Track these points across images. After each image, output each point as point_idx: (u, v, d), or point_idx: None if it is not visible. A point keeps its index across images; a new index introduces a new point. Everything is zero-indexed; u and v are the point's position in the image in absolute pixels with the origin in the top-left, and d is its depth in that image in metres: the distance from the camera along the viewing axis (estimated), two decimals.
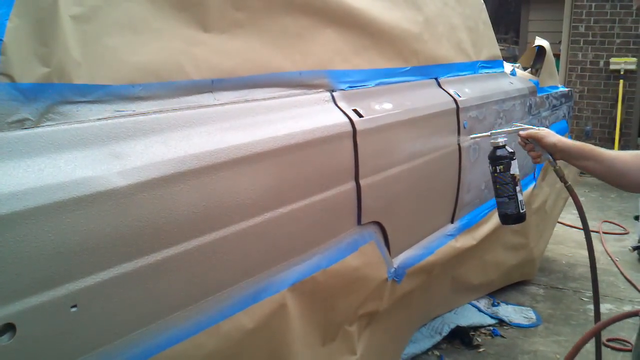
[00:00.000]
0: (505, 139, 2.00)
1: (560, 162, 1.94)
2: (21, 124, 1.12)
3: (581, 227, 5.19)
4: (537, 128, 1.95)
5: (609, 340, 3.11)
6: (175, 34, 1.47)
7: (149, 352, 1.29)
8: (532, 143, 1.92)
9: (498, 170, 1.99)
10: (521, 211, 2.02)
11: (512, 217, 2.03)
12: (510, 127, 2.06)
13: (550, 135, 1.87)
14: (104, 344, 1.21)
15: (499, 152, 1.99)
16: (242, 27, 1.65)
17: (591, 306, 3.53)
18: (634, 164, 1.65)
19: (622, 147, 7.29)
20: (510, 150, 2.00)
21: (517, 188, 1.99)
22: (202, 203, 1.38)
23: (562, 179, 2.01)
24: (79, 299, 1.14)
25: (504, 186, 1.99)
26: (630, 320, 3.11)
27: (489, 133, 2.06)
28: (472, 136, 2.33)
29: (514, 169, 1.98)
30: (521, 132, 1.95)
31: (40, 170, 1.10)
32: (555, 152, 1.87)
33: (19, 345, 1.06)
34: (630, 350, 2.95)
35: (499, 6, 10.23)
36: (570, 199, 4.62)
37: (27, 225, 1.05)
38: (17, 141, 1.10)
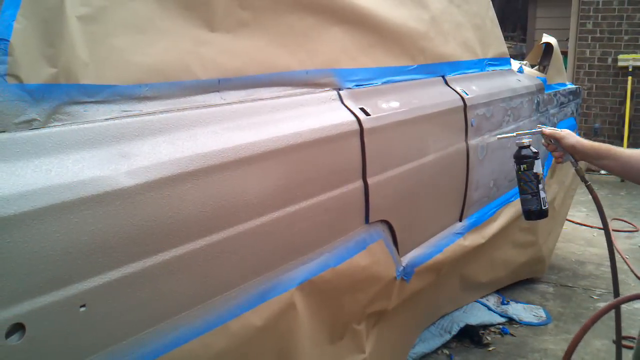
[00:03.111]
0: (530, 139, 2.10)
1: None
2: (29, 124, 1.13)
3: (589, 224, 5.14)
4: (559, 129, 2.05)
5: None
6: (181, 34, 1.47)
7: (158, 352, 1.29)
8: (554, 143, 2.04)
9: (522, 169, 2.08)
10: (543, 207, 2.09)
11: (534, 212, 2.10)
12: (535, 129, 2.16)
13: (570, 137, 1.98)
14: (113, 343, 1.21)
15: (524, 152, 2.09)
16: (248, 26, 1.65)
17: (601, 304, 3.52)
18: None
19: (631, 145, 7.24)
20: (535, 150, 2.09)
21: (540, 186, 2.08)
22: (210, 202, 1.38)
23: (583, 178, 2.10)
24: (88, 299, 1.15)
25: (527, 184, 2.08)
26: None
27: (514, 134, 2.16)
28: (498, 136, 2.42)
29: (537, 167, 2.07)
30: (545, 130, 2.06)
31: (48, 171, 1.10)
32: (574, 153, 1.98)
33: (29, 345, 1.06)
34: None
35: (506, 4, 10.20)
36: (575, 197, 4.59)
37: (36, 225, 1.05)
38: (25, 142, 1.10)
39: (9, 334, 1.03)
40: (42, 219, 1.06)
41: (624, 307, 3.50)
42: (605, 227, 2.15)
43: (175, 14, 1.46)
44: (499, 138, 2.41)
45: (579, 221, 5.05)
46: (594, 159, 1.93)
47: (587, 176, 2.12)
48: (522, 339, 3.16)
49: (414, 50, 2.39)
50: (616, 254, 4.28)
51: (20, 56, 1.12)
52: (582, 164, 2.12)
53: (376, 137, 1.97)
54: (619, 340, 2.27)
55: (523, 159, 2.09)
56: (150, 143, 1.30)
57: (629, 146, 7.24)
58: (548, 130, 2.06)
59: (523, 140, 2.10)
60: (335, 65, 1.96)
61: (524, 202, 2.13)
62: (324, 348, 1.89)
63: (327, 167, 1.78)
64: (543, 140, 2.09)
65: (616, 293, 2.14)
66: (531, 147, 2.10)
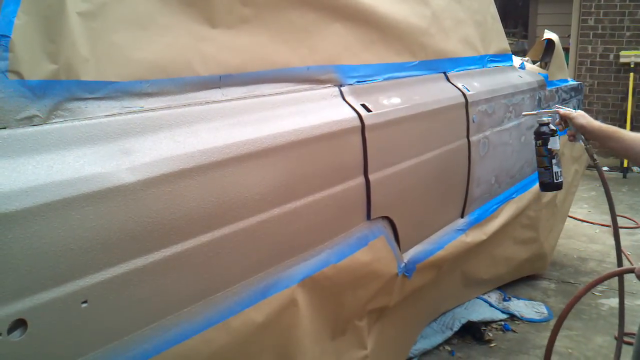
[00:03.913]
0: (550, 117, 2.26)
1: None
2: (30, 120, 1.13)
3: (591, 221, 5.13)
4: (572, 110, 2.20)
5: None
6: (182, 30, 1.47)
7: (160, 348, 1.29)
8: (567, 123, 2.17)
9: (538, 144, 2.26)
10: (556, 181, 2.26)
11: (547, 185, 2.29)
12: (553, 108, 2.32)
13: (581, 117, 2.11)
14: (115, 339, 1.22)
15: (542, 129, 2.26)
16: (250, 22, 1.65)
17: (603, 301, 3.52)
18: None
19: None
20: (552, 128, 2.25)
21: (554, 161, 2.25)
22: (211, 199, 1.39)
23: (592, 157, 2.22)
24: (90, 295, 1.15)
25: (541, 158, 2.27)
26: None
27: (536, 112, 2.41)
28: (523, 113, 2.72)
29: (552, 144, 2.24)
30: (560, 111, 2.19)
31: (49, 167, 1.10)
32: (584, 133, 2.11)
33: (31, 341, 1.06)
34: None
35: (507, 0, 10.18)
36: (577, 194, 4.59)
37: (37, 221, 1.06)
38: (26, 138, 1.11)
39: (11, 330, 1.04)
40: (44, 215, 1.06)
41: (625, 303, 3.50)
42: (610, 204, 2.27)
43: (177, 10, 1.46)
44: (523, 115, 2.67)
45: (581, 218, 5.04)
46: (601, 139, 2.03)
47: (595, 155, 2.24)
48: (523, 335, 3.16)
49: (416, 47, 2.39)
50: (615, 248, 4.29)
51: (21, 52, 1.12)
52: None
53: (377, 133, 1.97)
54: (621, 336, 2.31)
55: (540, 135, 2.26)
56: (152, 139, 1.30)
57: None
58: (562, 110, 2.20)
59: (543, 118, 2.27)
60: (337, 62, 1.96)
61: (539, 175, 2.31)
62: (325, 344, 1.89)
63: (329, 163, 1.78)
64: (558, 119, 2.20)
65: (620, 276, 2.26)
66: (550, 125, 2.25)
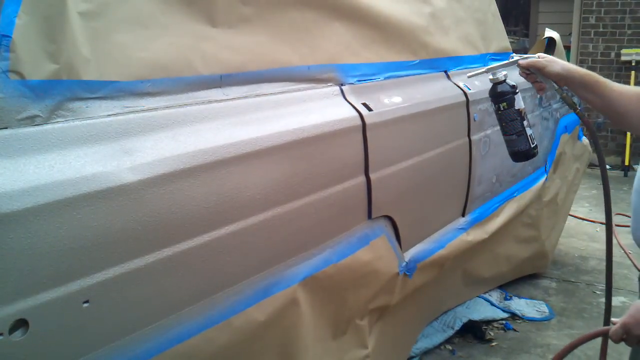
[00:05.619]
0: (505, 72, 1.84)
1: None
2: (31, 120, 1.13)
3: (592, 219, 5.11)
4: (536, 56, 1.79)
5: None
6: (183, 30, 1.47)
7: (161, 347, 1.29)
8: (534, 73, 1.77)
9: (502, 108, 1.83)
10: (532, 145, 1.85)
11: (522, 153, 1.87)
12: (508, 60, 1.87)
13: (553, 63, 1.71)
14: (117, 339, 1.22)
15: (500, 88, 1.83)
16: (250, 21, 1.65)
17: (604, 299, 3.51)
18: (635, 105, 1.56)
19: (634, 140, 7.21)
20: (512, 83, 1.84)
21: (525, 122, 1.84)
22: (212, 198, 1.39)
23: (572, 106, 1.81)
24: (91, 295, 1.15)
25: (510, 123, 1.83)
26: None
27: (485, 69, 1.86)
28: (468, 75, 2.03)
29: (519, 103, 1.83)
30: (521, 62, 1.78)
31: (50, 167, 1.10)
32: (559, 80, 1.72)
33: (32, 341, 1.06)
34: None
35: None
36: (578, 192, 4.58)
37: (38, 221, 1.06)
38: (28, 138, 1.11)
39: (12, 330, 1.04)
40: (45, 215, 1.07)
41: (627, 303, 3.50)
42: (602, 165, 1.87)
43: (177, 10, 1.46)
44: (469, 77, 2.01)
45: (581, 216, 5.04)
46: (578, 88, 1.68)
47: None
48: (525, 334, 3.16)
49: (416, 45, 2.39)
50: (620, 249, 4.27)
51: (22, 52, 1.12)
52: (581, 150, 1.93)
53: (378, 132, 1.97)
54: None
55: (501, 96, 1.83)
56: (153, 139, 1.30)
57: (632, 141, 7.23)
58: (525, 61, 1.77)
59: (497, 76, 1.83)
60: (338, 61, 1.96)
61: (509, 144, 1.87)
62: (326, 344, 1.89)
63: (330, 162, 1.78)
64: (519, 71, 1.81)
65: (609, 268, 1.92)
66: (507, 81, 1.83)
